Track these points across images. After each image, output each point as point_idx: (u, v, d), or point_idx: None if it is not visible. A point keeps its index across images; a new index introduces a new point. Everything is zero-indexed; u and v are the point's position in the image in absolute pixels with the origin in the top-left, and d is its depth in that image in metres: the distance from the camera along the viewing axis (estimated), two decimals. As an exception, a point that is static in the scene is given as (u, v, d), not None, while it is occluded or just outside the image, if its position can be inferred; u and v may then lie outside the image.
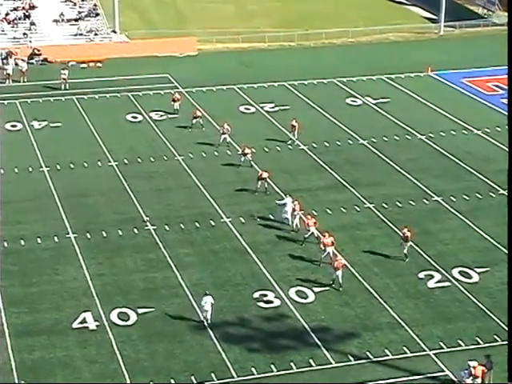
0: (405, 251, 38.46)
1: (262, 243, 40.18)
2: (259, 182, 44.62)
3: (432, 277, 37.51)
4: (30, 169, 47.84)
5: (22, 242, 40.02)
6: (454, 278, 37.42)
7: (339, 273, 36.13)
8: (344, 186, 46.32)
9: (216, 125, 54.32)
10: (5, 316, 34.44)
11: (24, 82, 61.95)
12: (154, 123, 54.92)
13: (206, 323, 33.24)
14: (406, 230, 38.47)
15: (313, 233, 39.58)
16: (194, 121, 53.64)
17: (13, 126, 54.16)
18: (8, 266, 38.01)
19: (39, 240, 40.24)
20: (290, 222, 41.35)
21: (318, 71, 64.86)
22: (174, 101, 56.19)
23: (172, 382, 30.91)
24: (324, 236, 38.12)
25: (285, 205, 41.63)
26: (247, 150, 47.90)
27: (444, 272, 37.71)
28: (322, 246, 38.20)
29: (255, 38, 73.40)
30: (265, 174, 44.77)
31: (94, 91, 60.14)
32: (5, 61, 65.13)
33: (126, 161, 48.96)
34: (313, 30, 74.83)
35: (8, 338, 33.12)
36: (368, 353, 32.43)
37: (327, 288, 36.53)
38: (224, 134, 50.64)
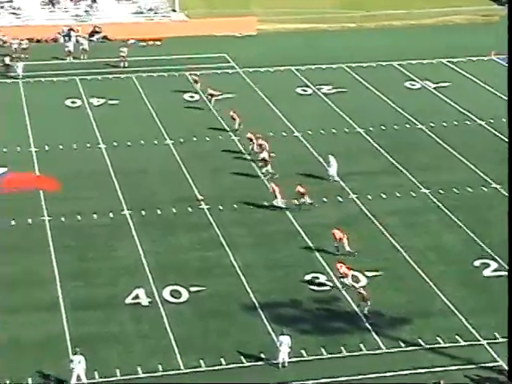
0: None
1: (315, 226, 40.05)
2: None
3: (488, 265, 37.02)
4: (88, 145, 48.33)
5: (79, 218, 40.51)
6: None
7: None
8: (400, 170, 45.92)
9: (273, 106, 54.28)
10: (61, 289, 34.95)
11: (84, 59, 62.52)
12: (210, 103, 54.99)
13: (280, 366, 30.85)
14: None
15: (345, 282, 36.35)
16: (213, 100, 53.58)
17: (72, 102, 54.74)
18: (65, 240, 38.54)
19: (95, 216, 40.68)
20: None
21: (378, 53, 64.23)
22: (195, 82, 55.85)
23: (222, 361, 31.08)
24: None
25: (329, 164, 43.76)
26: (251, 137, 47.47)
27: (500, 261, 37.11)
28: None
29: (316, 18, 72.84)
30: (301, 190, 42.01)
31: (153, 69, 60.42)
32: (66, 38, 65.89)
33: (181, 140, 49.18)
34: (374, 11, 74.04)
35: (63, 311, 33.63)
36: (419, 339, 32.19)
37: (380, 273, 36.33)
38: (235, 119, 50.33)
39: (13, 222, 39.83)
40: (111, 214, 40.91)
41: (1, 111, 52.45)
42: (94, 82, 58.05)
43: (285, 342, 30.69)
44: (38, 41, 65.77)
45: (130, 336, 32.37)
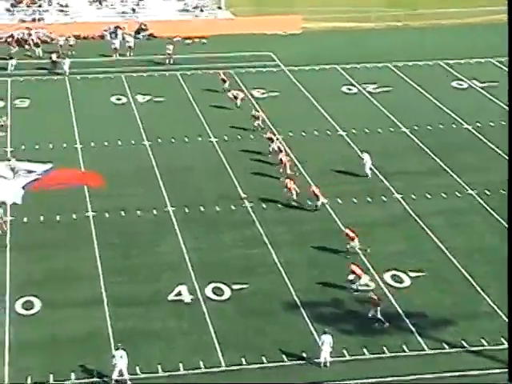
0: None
1: (358, 225, 39.80)
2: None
3: (533, 267, 36.45)
4: (133, 142, 48.59)
5: (123, 214, 40.74)
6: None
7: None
8: (445, 170, 45.48)
9: (317, 104, 54.14)
10: (104, 285, 35.18)
11: (130, 56, 62.89)
12: (255, 101, 54.99)
13: (322, 365, 30.79)
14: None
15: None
16: (238, 101, 53.26)
17: (118, 99, 55.09)
18: (108, 237, 38.79)
19: (139, 212, 40.87)
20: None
21: (424, 52, 63.72)
22: (223, 81, 55.65)
23: (263, 359, 31.04)
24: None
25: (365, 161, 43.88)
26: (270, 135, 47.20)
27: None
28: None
29: (361, 17, 72.51)
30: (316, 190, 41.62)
31: (198, 67, 60.56)
32: (113, 35, 66.34)
33: (225, 137, 49.22)
34: (421, 9, 73.45)
35: (106, 306, 33.84)
36: (463, 341, 31.85)
37: (424, 273, 36.00)
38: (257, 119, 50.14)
39: (58, 218, 40.18)
40: (155, 211, 41.08)
41: (47, 108, 52.96)
42: (140, 79, 58.36)
43: (327, 341, 30.56)
44: (85, 38, 66.32)
45: (172, 333, 32.49)
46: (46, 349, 31.35)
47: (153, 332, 32.44)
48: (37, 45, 62.97)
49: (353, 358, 31.11)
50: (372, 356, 31.17)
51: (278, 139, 47.13)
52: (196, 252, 37.62)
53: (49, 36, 65.12)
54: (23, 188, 42.75)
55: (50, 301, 34.00)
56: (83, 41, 65.64)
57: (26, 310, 33.58)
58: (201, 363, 30.83)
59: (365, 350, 31.43)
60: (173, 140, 48.80)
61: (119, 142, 48.40)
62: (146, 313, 33.54)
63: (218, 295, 34.70)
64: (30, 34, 64.50)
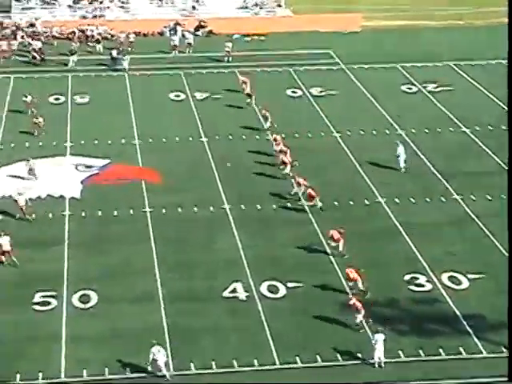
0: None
1: (416, 225, 39.37)
2: None
3: None
4: (191, 138, 48.73)
5: (180, 210, 40.87)
6: None
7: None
8: (506, 171, 44.64)
9: (376, 103, 53.73)
10: (160, 281, 35.31)
11: (189, 53, 63.12)
12: (313, 99, 54.76)
13: (377, 365, 30.54)
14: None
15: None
16: (248, 99, 52.91)
17: (176, 95, 55.30)
18: (165, 232, 38.94)
19: (196, 209, 40.97)
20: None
21: (486, 51, 62.71)
22: (244, 83, 54.85)
23: (318, 358, 30.86)
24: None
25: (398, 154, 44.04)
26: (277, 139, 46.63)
27: None
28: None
29: (422, 15, 71.74)
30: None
31: (256, 64, 60.49)
32: (172, 32, 66.65)
33: (283, 135, 49.02)
34: (483, 8, 72.41)
35: (162, 301, 33.97)
36: (523, 345, 31.24)
37: (483, 275, 35.44)
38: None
39: (115, 213, 40.46)
40: (211, 208, 41.13)
41: (107, 104, 53.41)
42: (198, 76, 58.53)
43: (380, 341, 30.27)
44: (145, 35, 66.77)
45: (226, 329, 32.48)
46: (101, 342, 31.61)
47: (207, 328, 32.47)
48: (97, 41, 63.60)
49: (408, 359, 30.77)
50: (428, 358, 30.77)
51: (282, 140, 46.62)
52: (252, 249, 37.55)
53: (109, 32, 65.68)
54: (82, 183, 43.41)
55: (106, 295, 34.26)
56: (143, 38, 66.10)
57: (83, 303, 33.89)
58: (255, 361, 30.77)
59: (420, 352, 31.05)
60: (230, 137, 48.82)
61: (177, 139, 48.57)
62: (200, 309, 33.58)
63: (273, 293, 34.59)
64: (91, 31, 65.13)
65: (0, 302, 33.80)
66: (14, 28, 65.58)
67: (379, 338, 30.34)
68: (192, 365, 30.51)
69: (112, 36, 65.28)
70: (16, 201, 39.92)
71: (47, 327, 32.51)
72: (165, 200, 41.48)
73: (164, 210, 40.76)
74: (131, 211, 40.66)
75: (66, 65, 59.52)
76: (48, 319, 32.96)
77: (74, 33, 64.58)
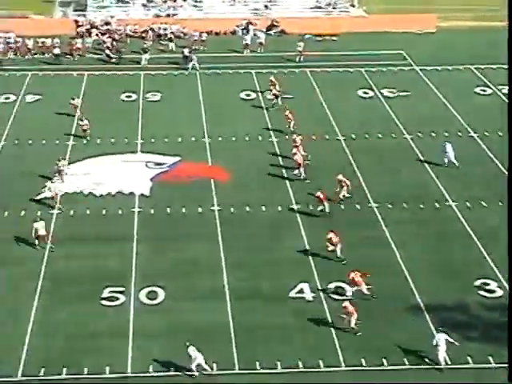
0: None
1: (488, 230, 38.66)
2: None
3: None
4: (260, 138, 48.69)
5: (248, 209, 40.87)
6: None
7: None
8: None
9: (449, 105, 52.99)
10: (226, 279, 35.37)
11: (261, 52, 63.14)
12: (384, 100, 54.27)
13: (443, 363, 30.35)
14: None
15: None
16: (275, 100, 52.39)
17: (247, 95, 55.33)
18: (233, 231, 39.00)
19: (263, 208, 40.92)
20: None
21: None
22: (272, 84, 54.19)
23: (384, 361, 30.55)
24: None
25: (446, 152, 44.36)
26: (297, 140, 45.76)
27: None
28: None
29: (499, 16, 70.34)
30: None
31: (328, 65, 60.18)
32: (244, 31, 66.77)
33: (353, 136, 48.73)
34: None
35: (228, 300, 34.02)
36: None
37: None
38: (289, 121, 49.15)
39: (183, 211, 40.67)
40: (279, 207, 41.04)
41: (178, 102, 53.73)
42: (269, 76, 58.38)
43: (442, 340, 29.88)
44: (217, 33, 67.02)
45: (292, 329, 32.37)
46: (168, 339, 31.77)
47: (273, 328, 32.41)
48: (170, 39, 64.06)
49: (477, 366, 30.23)
50: (497, 365, 30.15)
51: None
52: (319, 250, 37.32)
53: (182, 31, 66.10)
54: (151, 180, 43.77)
55: (173, 292, 34.45)
56: (215, 36, 66.34)
57: (150, 299, 34.13)
58: (320, 362, 30.59)
59: (490, 359, 30.46)
60: (299, 137, 48.55)
61: (246, 138, 48.60)
62: (267, 308, 33.53)
63: (339, 295, 34.34)
64: (164, 29, 65.66)
65: (70, 296, 34.26)
66: (88, 26, 66.51)
67: (441, 337, 29.92)
68: (257, 364, 30.48)
69: (185, 34, 65.68)
70: (49, 189, 41.28)
71: (115, 322, 32.83)
72: (233, 198, 41.54)
73: (232, 209, 40.82)
74: (199, 209, 40.82)
75: (139, 63, 60.09)
76: (116, 314, 33.29)
77: (146, 31, 65.19)
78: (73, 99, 50.85)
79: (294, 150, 44.58)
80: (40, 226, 37.30)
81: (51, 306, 33.72)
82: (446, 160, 44.67)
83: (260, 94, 55.20)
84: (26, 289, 34.65)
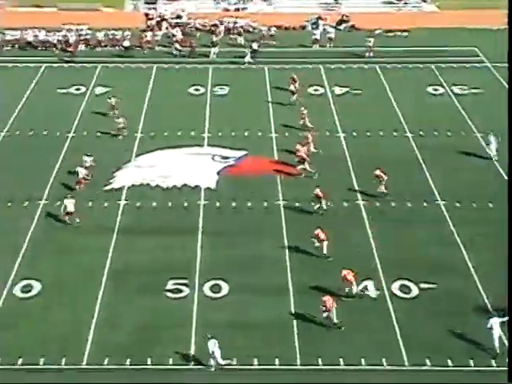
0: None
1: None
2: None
3: None
4: (327, 133, 48.37)
5: (297, 204, 40.57)
6: None
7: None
8: None
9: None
10: (290, 274, 35.22)
11: (330, 47, 62.71)
12: (455, 97, 53.43)
13: (495, 353, 30.43)
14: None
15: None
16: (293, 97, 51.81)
17: (315, 90, 54.99)
18: (297, 225, 38.83)
19: (329, 203, 40.57)
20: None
21: None
22: (294, 80, 53.45)
23: (449, 362, 30.11)
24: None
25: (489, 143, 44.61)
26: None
27: None
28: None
29: None
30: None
31: (397, 61, 59.46)
32: (314, 26, 66.41)
33: (421, 133, 48.08)
34: None
35: (291, 295, 33.88)
36: None
37: None
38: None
39: (249, 204, 40.62)
40: (345, 203, 40.73)
41: (245, 96, 53.55)
42: (338, 71, 58.06)
43: (496, 324, 29.94)
44: (287, 28, 66.76)
45: (355, 327, 32.12)
46: (230, 333, 31.79)
47: (336, 325, 32.14)
48: (239, 34, 64.09)
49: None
50: None
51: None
52: (384, 247, 36.97)
53: (251, 25, 66.07)
54: (218, 173, 43.82)
55: (237, 285, 34.47)
56: (284, 31, 66.07)
57: (214, 293, 34.18)
58: (383, 360, 30.28)
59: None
60: (368, 133, 48.19)
61: (314, 133, 48.22)
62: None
63: (404, 293, 33.94)
64: (233, 23, 65.74)
65: (134, 287, 34.55)
66: (158, 19, 66.96)
67: (494, 321, 29.70)
68: (320, 360, 30.31)
69: (254, 29, 65.64)
70: (77, 173, 41.96)
71: (179, 314, 32.96)
72: (298, 193, 41.34)
73: (297, 203, 40.63)
74: (265, 203, 40.74)
75: (207, 56, 60.25)
76: (180, 306, 33.42)
77: (216, 25, 65.33)
78: (109, 98, 50.69)
79: (298, 146, 44.24)
80: (70, 203, 38.78)
81: (116, 296, 34.04)
82: (493, 153, 44.79)
83: (328, 88, 54.83)
84: (92, 278, 35.05)
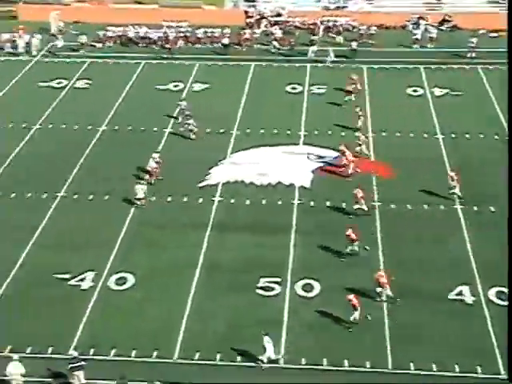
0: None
1: None
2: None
3: None
4: (425, 135, 47.51)
5: (409, 206, 39.99)
6: None
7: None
8: None
9: None
10: (384, 275, 34.70)
11: (431, 47, 61.67)
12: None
13: None
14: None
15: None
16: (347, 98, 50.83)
17: (414, 90, 54.11)
18: (392, 228, 38.36)
19: (426, 206, 39.91)
20: None
21: None
22: (351, 80, 52.31)
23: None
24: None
25: None
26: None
27: None
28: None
29: None
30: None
31: (501, 62, 57.97)
32: (415, 26, 65.44)
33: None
34: None
35: (384, 298, 33.35)
36: None
37: None
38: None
39: (343, 205, 40.19)
40: (442, 206, 39.95)
41: (342, 95, 52.93)
42: (438, 72, 57.00)
43: None
44: (387, 27, 65.97)
45: (448, 332, 31.49)
46: (321, 332, 31.58)
47: (429, 328, 31.64)
48: (338, 32, 63.65)
49: None
50: None
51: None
52: (482, 252, 36.10)
53: (351, 24, 65.55)
54: (312, 172, 43.59)
55: (329, 285, 34.19)
56: (385, 30, 65.28)
57: (306, 292, 33.97)
58: (478, 368, 29.57)
59: None
60: (467, 135, 47.18)
61: (411, 134, 47.55)
62: (424, 308, 32.77)
63: (501, 300, 33.05)
64: (333, 22, 65.33)
65: (226, 284, 34.63)
66: (258, 17, 67.09)
67: None
68: (412, 364, 29.80)
69: (353, 28, 65.10)
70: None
71: (269, 312, 32.85)
72: (395, 195, 40.75)
73: (393, 206, 40.05)
74: (357, 205, 40.22)
75: (306, 55, 60.00)
76: (271, 305, 33.31)
77: (315, 23, 65.03)
78: (180, 101, 50.61)
79: (342, 147, 43.78)
80: (140, 189, 40.05)
81: (208, 291, 34.17)
82: None
83: (427, 90, 53.89)
84: (185, 274, 35.26)
